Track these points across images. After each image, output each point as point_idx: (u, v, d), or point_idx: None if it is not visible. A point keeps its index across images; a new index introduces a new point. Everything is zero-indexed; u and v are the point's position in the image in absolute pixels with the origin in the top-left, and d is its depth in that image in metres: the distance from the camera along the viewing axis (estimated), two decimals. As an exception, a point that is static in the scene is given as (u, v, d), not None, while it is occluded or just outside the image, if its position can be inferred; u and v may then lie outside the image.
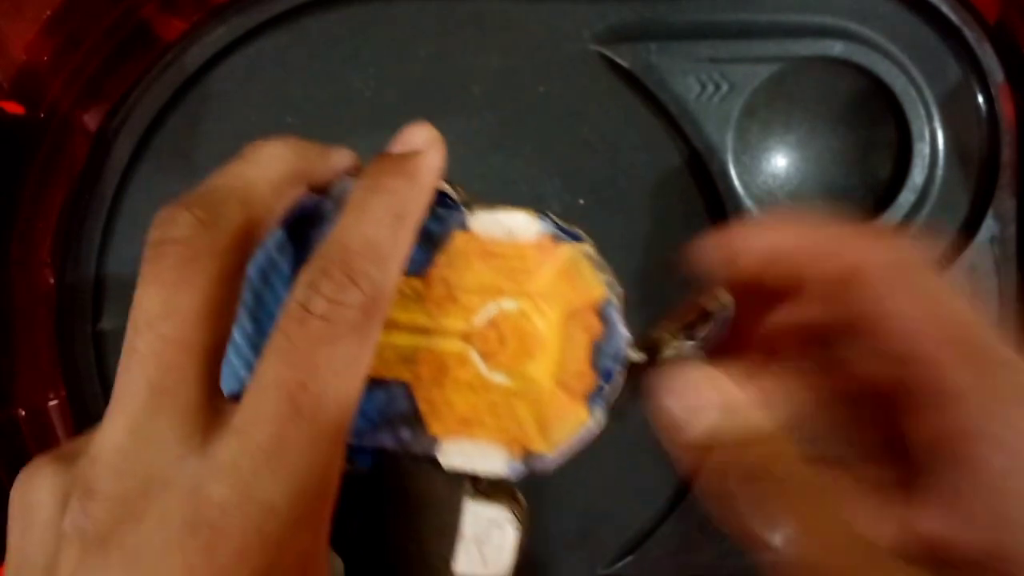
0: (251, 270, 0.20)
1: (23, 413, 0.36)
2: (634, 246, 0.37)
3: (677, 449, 0.20)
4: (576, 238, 0.21)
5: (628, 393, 0.21)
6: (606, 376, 0.20)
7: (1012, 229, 0.36)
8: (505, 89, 0.37)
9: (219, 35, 0.36)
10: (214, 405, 0.18)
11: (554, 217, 0.21)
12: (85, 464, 0.17)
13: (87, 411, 0.37)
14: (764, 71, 0.35)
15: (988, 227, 0.36)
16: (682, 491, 0.37)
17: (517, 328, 0.20)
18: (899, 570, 0.17)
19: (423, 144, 0.20)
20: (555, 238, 0.21)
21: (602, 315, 0.21)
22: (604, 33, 0.36)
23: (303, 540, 0.17)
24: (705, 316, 0.22)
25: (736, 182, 0.36)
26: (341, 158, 0.22)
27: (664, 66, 0.35)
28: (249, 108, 0.37)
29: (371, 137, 0.37)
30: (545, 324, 0.20)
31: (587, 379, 0.20)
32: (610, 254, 0.36)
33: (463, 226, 0.21)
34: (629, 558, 0.37)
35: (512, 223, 0.21)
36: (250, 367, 0.21)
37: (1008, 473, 0.18)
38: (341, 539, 0.19)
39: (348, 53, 0.37)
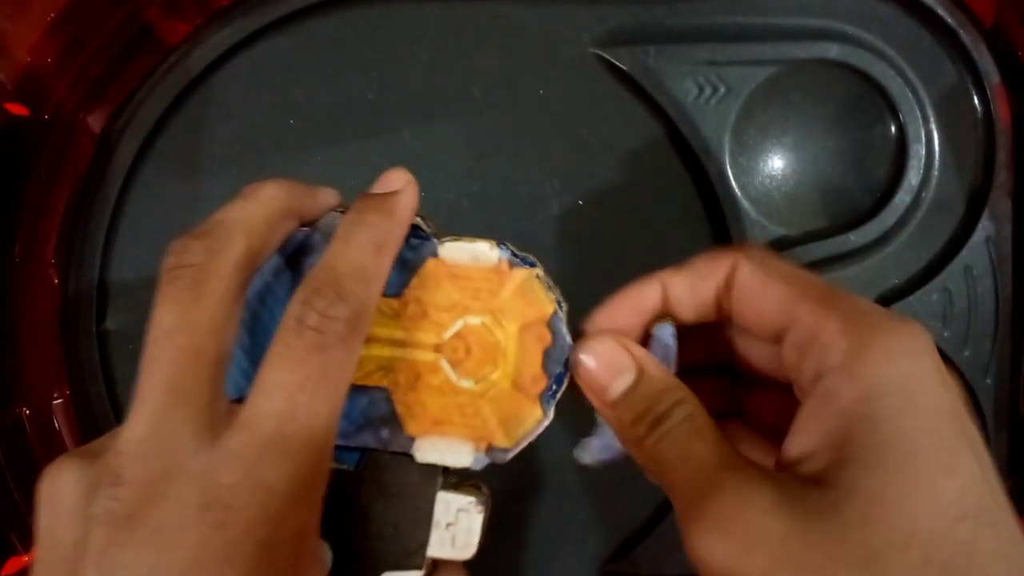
0: (249, 292, 0.22)
1: (28, 412, 0.37)
2: (632, 247, 0.37)
3: (601, 406, 0.24)
4: (530, 263, 0.24)
5: (572, 392, 0.24)
6: (556, 379, 0.24)
7: (1008, 229, 0.36)
8: (505, 91, 0.37)
9: (222, 38, 0.36)
10: (221, 405, 0.20)
11: (511, 245, 0.24)
12: (111, 456, 0.19)
13: (91, 410, 0.37)
14: (761, 73, 0.36)
15: (984, 228, 0.36)
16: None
17: (481, 340, 0.23)
18: (747, 472, 0.20)
19: (400, 185, 0.23)
20: (511, 263, 0.24)
21: (551, 327, 0.24)
22: (603, 36, 0.37)
23: (299, 517, 0.20)
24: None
25: (733, 183, 0.36)
26: (327, 197, 0.24)
27: (662, 69, 0.36)
28: (252, 110, 0.37)
29: (373, 139, 0.38)
30: (504, 336, 0.23)
31: (540, 382, 0.24)
32: (608, 255, 0.37)
33: (434, 253, 0.24)
34: (628, 556, 0.37)
35: (475, 251, 0.24)
36: (247, 376, 0.23)
37: (859, 400, 0.20)
38: (329, 526, 0.21)
39: (350, 56, 0.37)
